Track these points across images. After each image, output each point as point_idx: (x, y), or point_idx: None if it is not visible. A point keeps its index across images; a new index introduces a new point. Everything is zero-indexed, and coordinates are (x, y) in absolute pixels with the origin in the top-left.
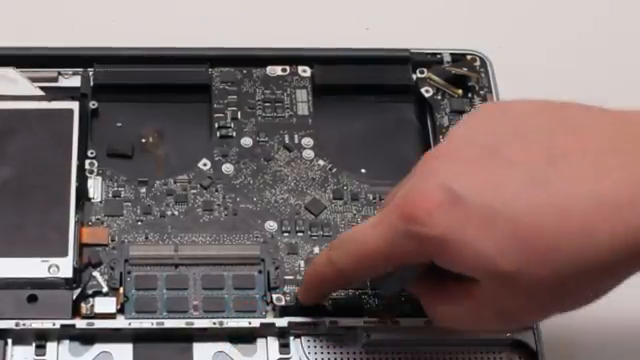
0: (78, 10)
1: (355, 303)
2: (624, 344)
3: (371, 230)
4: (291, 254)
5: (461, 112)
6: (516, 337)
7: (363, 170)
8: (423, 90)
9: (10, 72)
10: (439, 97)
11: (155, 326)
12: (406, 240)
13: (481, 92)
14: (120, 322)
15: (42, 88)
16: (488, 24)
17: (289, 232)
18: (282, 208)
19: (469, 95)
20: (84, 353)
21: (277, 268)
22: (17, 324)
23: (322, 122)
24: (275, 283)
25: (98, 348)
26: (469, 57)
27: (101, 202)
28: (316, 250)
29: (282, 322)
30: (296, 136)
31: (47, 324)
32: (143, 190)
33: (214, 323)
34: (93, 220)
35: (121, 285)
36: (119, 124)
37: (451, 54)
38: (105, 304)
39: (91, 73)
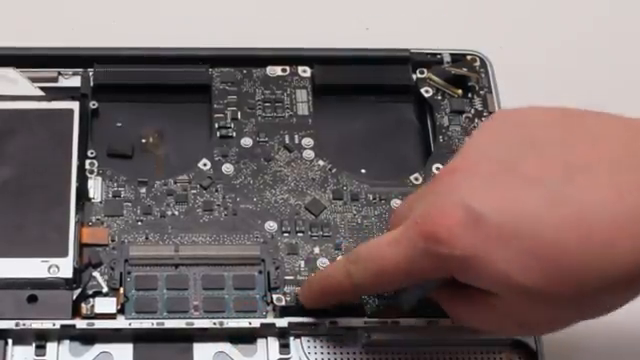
0: (78, 10)
1: (355, 303)
2: (624, 344)
3: (390, 247)
4: (291, 254)
5: (461, 112)
6: (516, 337)
7: (363, 170)
8: (423, 90)
9: (10, 72)
10: (439, 97)
11: (155, 326)
12: (426, 258)
13: (481, 92)
14: (120, 322)
15: (42, 88)
16: (488, 24)
17: (289, 232)
18: (282, 208)
19: (469, 95)
20: (84, 353)
21: (277, 268)
22: (17, 324)
23: (322, 122)
24: (275, 283)
25: (98, 348)
26: (469, 57)
27: (101, 202)
28: (316, 250)
29: (282, 322)
30: (296, 136)
31: (47, 324)
32: (143, 190)
33: (214, 323)
34: (93, 220)
35: (121, 285)
36: (119, 124)
37: (451, 54)
38: (105, 304)
39: (91, 73)
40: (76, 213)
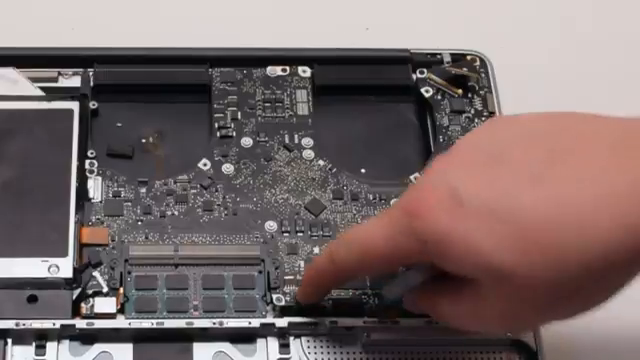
0: (78, 10)
1: (355, 303)
2: (624, 344)
3: (373, 226)
4: (291, 254)
5: (461, 112)
6: (516, 337)
7: (363, 170)
8: (423, 90)
9: (10, 72)
10: (439, 97)
11: (155, 326)
12: (407, 237)
13: (481, 92)
14: (120, 322)
15: (42, 88)
16: (488, 24)
17: (289, 232)
18: (282, 208)
19: (469, 95)
20: (84, 353)
21: (277, 268)
22: (17, 324)
23: (322, 122)
24: (275, 283)
25: (98, 348)
26: (469, 57)
27: (101, 202)
28: (316, 250)
29: (282, 322)
30: (296, 136)
31: (47, 324)
32: (143, 190)
33: (214, 323)
34: (93, 220)
35: (121, 285)
36: (119, 124)
37: (451, 54)
38: (105, 304)
39: (91, 73)
40: (76, 213)
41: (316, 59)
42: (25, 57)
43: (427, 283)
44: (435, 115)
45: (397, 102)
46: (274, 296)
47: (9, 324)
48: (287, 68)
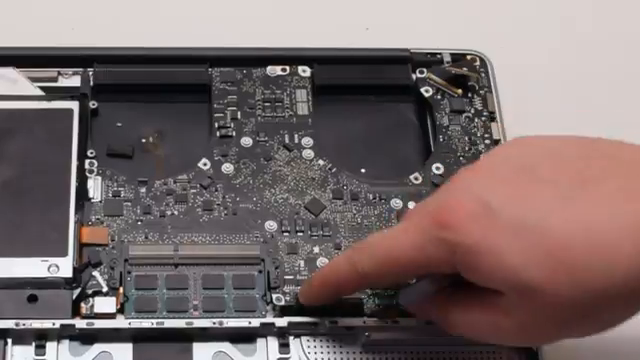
0: (78, 10)
1: (355, 303)
2: (624, 344)
3: (399, 234)
4: (291, 254)
5: (461, 112)
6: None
7: (363, 170)
8: (423, 90)
9: (10, 72)
10: (439, 97)
11: (155, 326)
12: (436, 247)
13: (481, 92)
14: (120, 322)
15: (42, 88)
16: (488, 24)
17: (289, 232)
18: (282, 208)
19: (469, 95)
20: (84, 353)
21: (277, 268)
22: (17, 324)
23: (322, 122)
24: (275, 283)
25: (98, 348)
26: (469, 57)
27: (101, 202)
28: (316, 250)
29: (282, 322)
30: (296, 136)
31: (47, 324)
32: (143, 190)
33: (214, 323)
34: (93, 220)
35: (121, 285)
36: (119, 124)
37: (451, 54)
38: (105, 304)
39: (91, 73)
40: (76, 213)
41: (316, 59)
42: (25, 57)
43: (441, 292)
44: (435, 115)
45: (397, 102)
46: (274, 296)
47: (9, 324)
48: (287, 68)
